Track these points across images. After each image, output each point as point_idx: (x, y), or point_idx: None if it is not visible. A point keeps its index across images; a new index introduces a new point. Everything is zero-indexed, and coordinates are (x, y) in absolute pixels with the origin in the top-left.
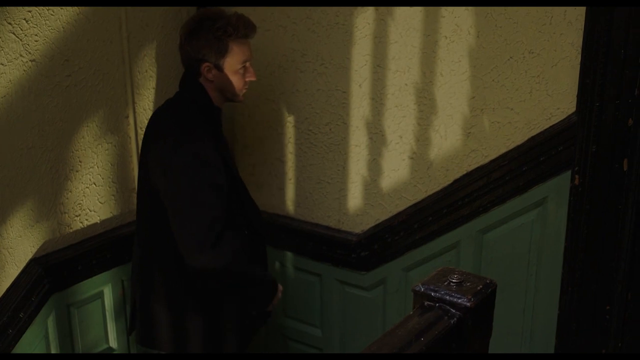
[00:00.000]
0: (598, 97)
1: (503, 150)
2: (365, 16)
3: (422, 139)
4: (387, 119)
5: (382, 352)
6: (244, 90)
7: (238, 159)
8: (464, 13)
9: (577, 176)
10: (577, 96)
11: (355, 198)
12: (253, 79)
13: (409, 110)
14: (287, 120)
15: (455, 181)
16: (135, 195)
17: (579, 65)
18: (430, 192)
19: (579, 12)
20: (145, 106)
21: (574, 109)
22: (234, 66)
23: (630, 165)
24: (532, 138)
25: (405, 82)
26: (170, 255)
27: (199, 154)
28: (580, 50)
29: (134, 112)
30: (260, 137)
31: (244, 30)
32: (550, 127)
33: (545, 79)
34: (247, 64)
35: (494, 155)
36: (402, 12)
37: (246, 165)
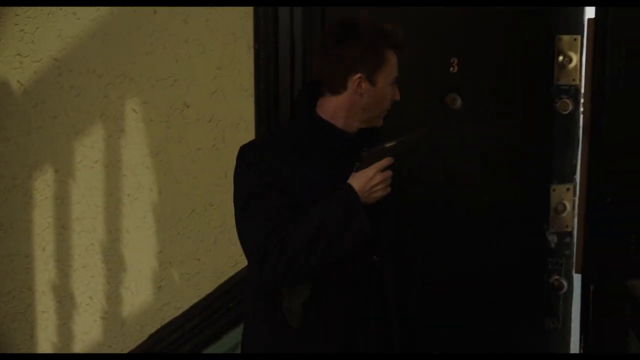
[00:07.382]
0: None
1: (195, 300)
2: (45, 178)
3: (114, 297)
4: (75, 281)
5: None
6: (385, 113)
7: None
8: (145, 171)
9: None
10: None
11: None
12: (398, 98)
13: (97, 269)
14: None
15: (151, 336)
16: None
17: None
18: (126, 350)
19: None
20: None
21: None
22: (387, 81)
23: None
24: (220, 286)
25: (92, 242)
26: None
27: None
28: None
29: None
30: None
31: (399, 39)
32: (237, 273)
33: (227, 228)
34: (394, 83)
35: (186, 306)
36: (82, 174)
37: None
